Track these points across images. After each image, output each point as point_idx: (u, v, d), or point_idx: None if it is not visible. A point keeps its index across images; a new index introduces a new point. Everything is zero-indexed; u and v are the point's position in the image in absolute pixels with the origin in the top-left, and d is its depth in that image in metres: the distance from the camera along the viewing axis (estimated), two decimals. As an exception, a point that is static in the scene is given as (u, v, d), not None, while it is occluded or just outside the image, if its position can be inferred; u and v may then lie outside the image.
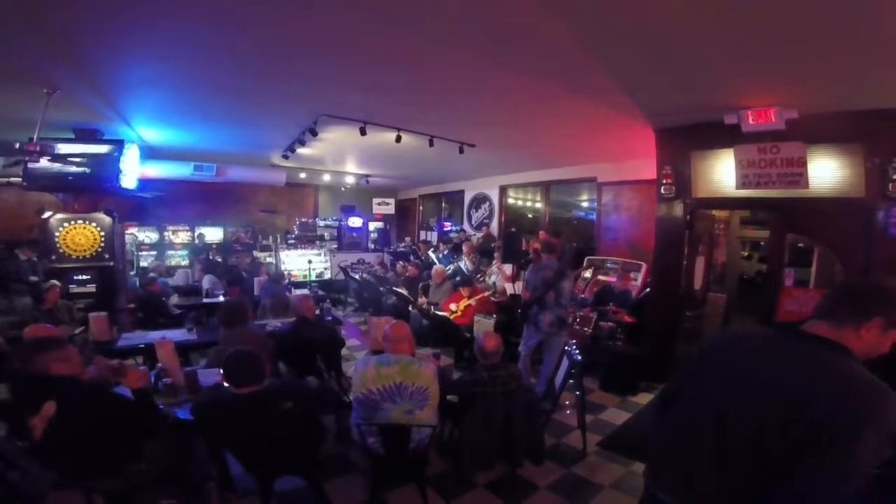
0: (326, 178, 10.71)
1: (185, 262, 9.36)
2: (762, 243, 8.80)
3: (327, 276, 9.99)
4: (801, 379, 1.13)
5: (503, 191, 9.76)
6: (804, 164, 3.96)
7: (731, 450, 1.18)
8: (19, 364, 2.24)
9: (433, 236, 11.52)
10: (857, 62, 2.96)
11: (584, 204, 10.19)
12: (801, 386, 1.12)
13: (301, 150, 6.81)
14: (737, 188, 4.39)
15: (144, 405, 2.35)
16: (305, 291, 6.90)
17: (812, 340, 1.20)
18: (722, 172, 4.61)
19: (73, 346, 2.36)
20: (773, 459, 1.11)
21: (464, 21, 2.78)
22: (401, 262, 8.86)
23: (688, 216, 4.89)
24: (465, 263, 7.66)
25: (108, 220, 5.71)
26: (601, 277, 6.67)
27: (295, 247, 10.29)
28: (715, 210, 5.50)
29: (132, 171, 5.99)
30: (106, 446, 2.12)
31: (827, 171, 3.99)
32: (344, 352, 4.91)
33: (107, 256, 5.67)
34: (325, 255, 10.27)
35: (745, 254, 9.17)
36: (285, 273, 8.66)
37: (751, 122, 3.94)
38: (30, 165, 5.15)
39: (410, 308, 6.44)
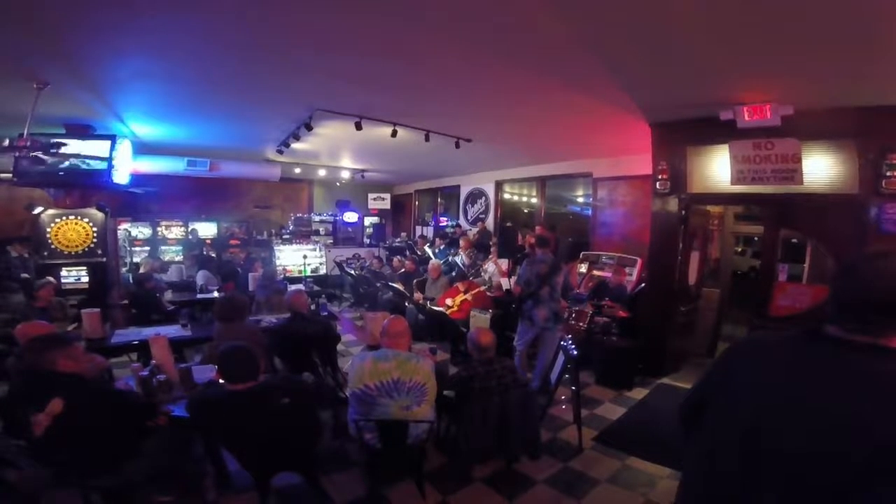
0: (321, 172, 10.64)
1: (179, 258, 9.29)
2: (756, 239, 8.84)
3: (322, 271, 9.97)
4: (854, 396, 0.93)
5: (499, 186, 9.75)
6: (798, 161, 3.98)
7: (770, 488, 0.96)
8: (28, 360, 2.23)
9: (429, 231, 11.51)
10: (853, 59, 2.97)
11: (580, 199, 10.21)
12: (855, 406, 0.91)
13: (296, 145, 6.77)
14: (731, 184, 4.41)
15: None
16: (300, 287, 6.88)
17: (855, 348, 0.99)
18: (717, 168, 4.63)
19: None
20: (824, 497, 0.91)
21: (462, 16, 2.76)
22: (397, 256, 8.85)
23: (682, 211, 4.91)
24: (460, 258, 7.66)
25: (100, 215, 5.66)
26: (596, 272, 6.69)
27: (290, 242, 10.24)
28: (709, 206, 5.53)
29: (124, 166, 5.93)
30: (106, 444, 2.11)
31: (821, 168, 4.02)
32: (340, 347, 4.90)
33: (99, 252, 5.63)
34: (320, 250, 10.23)
35: (739, 249, 9.21)
36: (278, 268, 8.64)
37: (746, 118, 3.95)
38: (19, 161, 5.09)
39: (407, 303, 6.44)
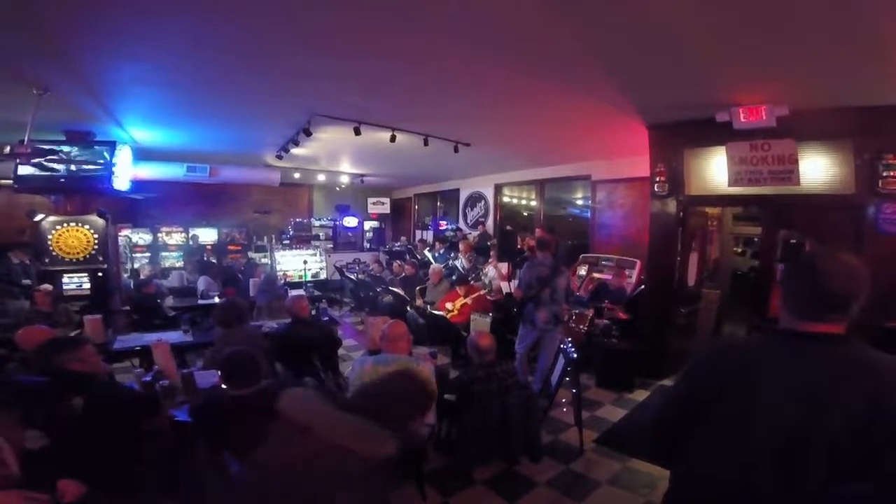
0: (321, 177, 10.68)
1: (179, 264, 9.32)
2: (755, 239, 8.86)
3: (323, 276, 9.98)
4: (860, 383, 1.06)
5: (498, 189, 9.78)
6: (795, 161, 4.00)
7: (807, 473, 1.07)
8: (38, 363, 2.25)
9: (429, 235, 11.53)
10: (848, 59, 2.99)
11: (579, 201, 10.23)
12: (863, 390, 1.04)
13: (295, 150, 6.79)
14: (729, 185, 4.43)
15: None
16: (301, 292, 6.91)
17: (827, 340, 1.14)
18: (714, 170, 4.65)
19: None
20: (845, 462, 1.05)
21: (461, 20, 2.78)
22: (397, 261, 8.87)
23: (681, 213, 4.93)
24: (460, 262, 7.68)
25: (100, 221, 5.67)
26: (596, 275, 6.71)
27: (290, 247, 10.26)
28: (708, 207, 5.55)
29: (124, 172, 5.96)
30: (116, 443, 2.12)
31: (818, 168, 4.04)
32: (341, 352, 4.91)
33: (100, 259, 5.64)
34: (320, 254, 10.25)
35: (739, 250, 9.24)
36: (278, 273, 8.66)
37: (742, 119, 3.97)
38: (20, 168, 5.12)
39: (407, 307, 6.45)
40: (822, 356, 1.12)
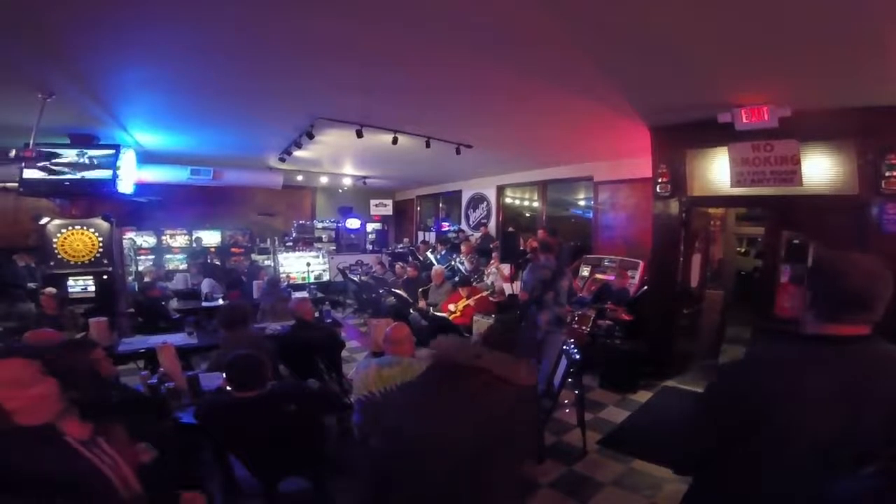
0: (324, 179, 10.71)
1: (183, 266, 9.35)
2: (759, 239, 8.83)
3: (326, 277, 10.00)
4: (891, 379, 1.10)
5: (500, 190, 9.79)
6: (798, 162, 4.00)
7: (841, 472, 1.10)
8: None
9: (431, 236, 11.54)
10: (850, 60, 2.99)
11: (581, 202, 10.21)
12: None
13: (298, 153, 6.83)
14: (731, 186, 4.43)
15: None
16: (304, 294, 6.92)
17: (857, 341, 1.16)
18: (717, 170, 4.65)
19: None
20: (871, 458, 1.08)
21: (463, 25, 2.80)
22: (399, 262, 8.88)
23: (683, 214, 4.92)
24: (462, 263, 7.68)
25: (105, 225, 5.71)
26: (599, 276, 6.70)
27: (293, 249, 10.28)
28: (710, 208, 5.54)
29: (129, 175, 6.00)
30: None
31: (821, 169, 4.04)
32: (344, 353, 4.91)
33: (105, 262, 5.67)
34: (323, 256, 10.27)
35: (742, 250, 9.20)
36: (282, 275, 8.69)
37: (744, 120, 3.97)
38: (25, 172, 5.16)
39: (411, 310, 6.46)
40: (854, 357, 1.13)
